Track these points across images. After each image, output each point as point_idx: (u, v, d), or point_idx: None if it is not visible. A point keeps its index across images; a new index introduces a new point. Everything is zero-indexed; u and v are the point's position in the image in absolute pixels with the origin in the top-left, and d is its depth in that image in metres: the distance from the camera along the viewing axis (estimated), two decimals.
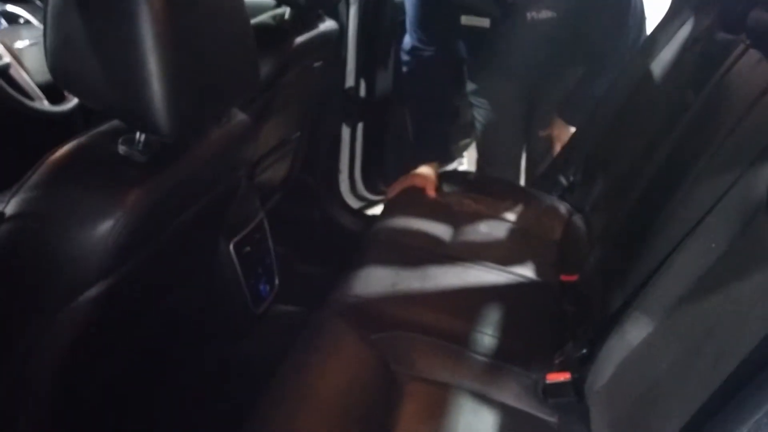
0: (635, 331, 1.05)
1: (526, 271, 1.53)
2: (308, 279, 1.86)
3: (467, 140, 2.60)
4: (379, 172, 2.34)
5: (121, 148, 0.87)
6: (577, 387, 1.15)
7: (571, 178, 1.91)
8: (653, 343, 0.99)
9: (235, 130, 1.07)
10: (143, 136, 0.87)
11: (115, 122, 0.92)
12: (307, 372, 1.15)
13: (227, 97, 0.97)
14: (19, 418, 0.89)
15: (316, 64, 1.82)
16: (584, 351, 1.15)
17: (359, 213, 2.33)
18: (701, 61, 1.48)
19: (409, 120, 2.09)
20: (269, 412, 1.06)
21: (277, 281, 1.52)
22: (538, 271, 1.55)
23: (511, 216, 1.80)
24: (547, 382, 1.18)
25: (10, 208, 0.83)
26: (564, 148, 2.02)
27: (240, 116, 1.09)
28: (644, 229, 1.19)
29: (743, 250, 0.89)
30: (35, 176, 0.84)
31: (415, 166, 1.89)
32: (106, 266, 0.85)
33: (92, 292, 0.85)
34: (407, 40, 1.88)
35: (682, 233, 1.03)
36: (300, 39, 1.64)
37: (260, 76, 1.08)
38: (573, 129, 2.03)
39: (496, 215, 1.79)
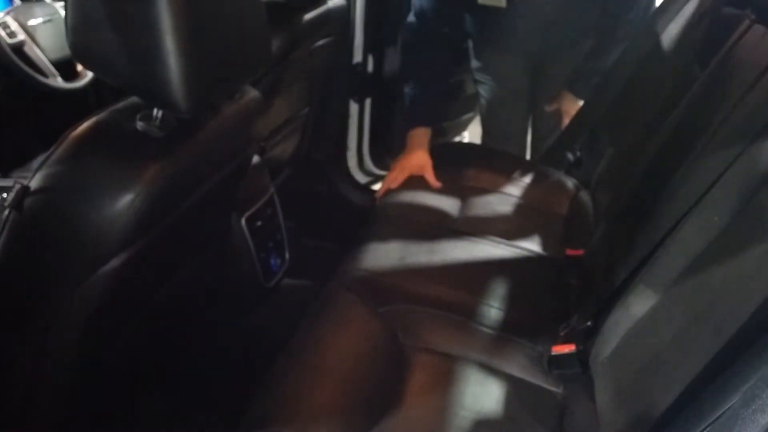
0: (639, 304, 1.07)
1: (531, 246, 1.55)
2: (317, 253, 1.89)
3: (470, 114, 2.61)
4: (386, 147, 2.35)
5: (140, 124, 0.90)
6: (581, 358, 1.17)
7: (578, 153, 1.92)
8: (656, 314, 1.01)
9: (248, 106, 1.09)
10: (160, 113, 0.89)
11: (133, 99, 0.95)
12: (316, 344, 1.18)
13: (241, 73, 0.99)
14: (41, 386, 0.93)
15: (325, 41, 1.83)
16: (589, 323, 1.18)
17: (367, 188, 2.35)
18: (707, 35, 1.49)
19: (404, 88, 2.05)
20: (280, 382, 1.09)
21: (287, 255, 1.54)
22: (544, 245, 1.57)
23: (517, 191, 1.82)
24: (552, 353, 1.20)
25: (34, 182, 0.85)
26: (571, 122, 2.03)
27: (252, 92, 1.11)
28: (648, 203, 1.21)
29: (745, 223, 0.91)
30: (58, 151, 0.86)
31: (407, 132, 1.85)
32: (126, 238, 0.87)
33: (113, 263, 0.88)
34: (412, 16, 1.88)
35: (685, 207, 1.05)
36: (309, 15, 1.66)
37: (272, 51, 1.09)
38: (581, 103, 2.04)
39: (502, 189, 1.81)
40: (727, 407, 0.69)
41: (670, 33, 1.70)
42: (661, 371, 0.92)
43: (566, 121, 2.08)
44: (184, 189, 0.98)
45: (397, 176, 1.78)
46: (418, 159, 1.80)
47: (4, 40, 1.71)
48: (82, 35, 0.85)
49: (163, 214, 0.93)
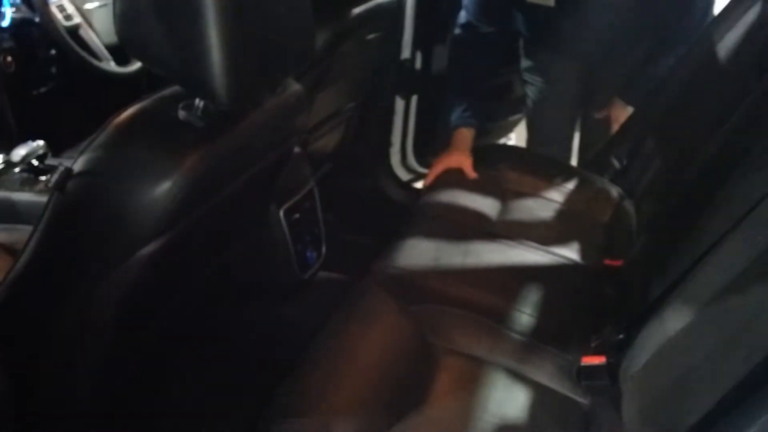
0: (674, 320, 1.05)
1: (569, 253, 1.53)
2: (354, 248, 1.89)
3: (517, 116, 2.58)
4: (430, 145, 2.34)
5: (181, 113, 0.92)
6: (611, 371, 1.16)
7: (625, 162, 1.88)
8: (690, 332, 0.99)
9: (290, 100, 1.10)
10: (202, 103, 0.91)
11: (176, 87, 0.97)
12: (345, 338, 1.19)
13: (283, 67, 1.00)
14: (77, 363, 0.96)
15: (373, 36, 1.83)
16: (621, 336, 1.16)
17: (408, 185, 2.35)
18: (765, 47, 1.45)
19: (449, 86, 2.02)
20: (306, 374, 1.10)
21: (324, 249, 1.56)
22: (582, 253, 1.55)
23: (559, 196, 1.80)
24: (582, 364, 1.19)
25: (78, 165, 0.88)
26: (619, 129, 1.99)
27: (294, 86, 1.12)
28: (691, 218, 1.19)
29: None
30: (101, 136, 0.89)
31: (450, 131, 1.86)
32: (163, 224, 0.89)
33: (150, 247, 0.90)
34: (463, 14, 1.87)
35: (729, 223, 1.02)
36: (357, 10, 1.66)
37: (316, 47, 1.10)
38: (631, 110, 2.00)
39: (543, 194, 1.79)
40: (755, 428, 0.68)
41: (728, 42, 1.65)
42: (690, 391, 0.90)
43: (615, 127, 2.04)
44: (222, 179, 0.99)
45: (437, 167, 1.81)
46: (458, 160, 1.81)
47: (60, 23, 1.76)
48: (128, 23, 0.87)
49: (200, 202, 0.95)
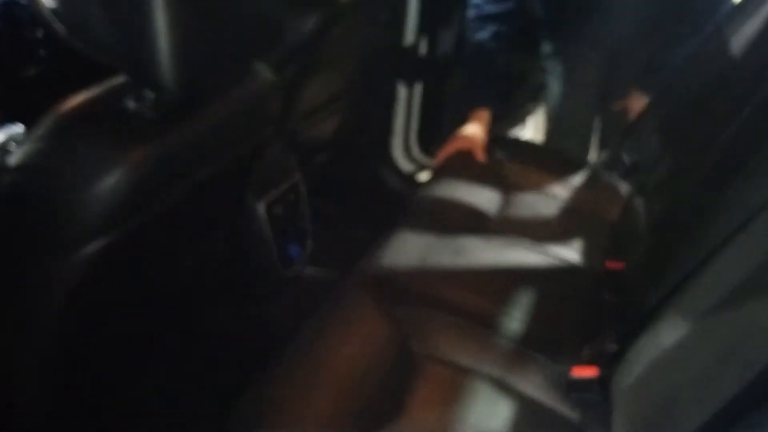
0: (668, 332, 0.97)
1: (569, 254, 1.45)
2: (353, 241, 1.84)
3: (532, 105, 2.49)
4: (435, 135, 2.26)
5: (130, 104, 0.85)
6: (603, 384, 1.08)
7: (636, 157, 1.79)
8: (684, 346, 0.91)
9: (259, 89, 1.03)
10: (153, 93, 0.84)
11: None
12: (320, 344, 1.12)
13: (246, 54, 0.93)
14: (24, 370, 0.90)
15: (372, 18, 1.75)
16: (614, 347, 1.08)
17: (410, 178, 2.27)
18: None
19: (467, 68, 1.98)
20: (276, 381, 1.04)
21: (309, 244, 1.49)
22: (584, 255, 1.46)
23: (564, 192, 1.71)
24: (573, 375, 1.12)
25: (15, 158, 0.82)
26: (632, 122, 1.90)
27: (264, 73, 1.05)
28: (694, 223, 1.10)
29: None
30: (41, 128, 0.82)
31: (467, 117, 1.81)
32: (108, 221, 0.83)
33: (93, 246, 0.83)
34: None
35: (727, 232, 0.94)
36: None
37: (305, 30, 1.02)
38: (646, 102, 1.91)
39: (548, 190, 1.70)
40: None
41: (747, 32, 1.55)
42: (681, 409, 0.83)
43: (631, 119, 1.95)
44: (178, 174, 0.93)
45: (448, 148, 1.77)
46: (474, 131, 1.77)
47: (47, 4, 1.70)
48: (70, 4, 0.80)
49: (152, 198, 0.89)
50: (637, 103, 1.94)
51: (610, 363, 1.09)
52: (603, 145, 2.14)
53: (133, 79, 0.86)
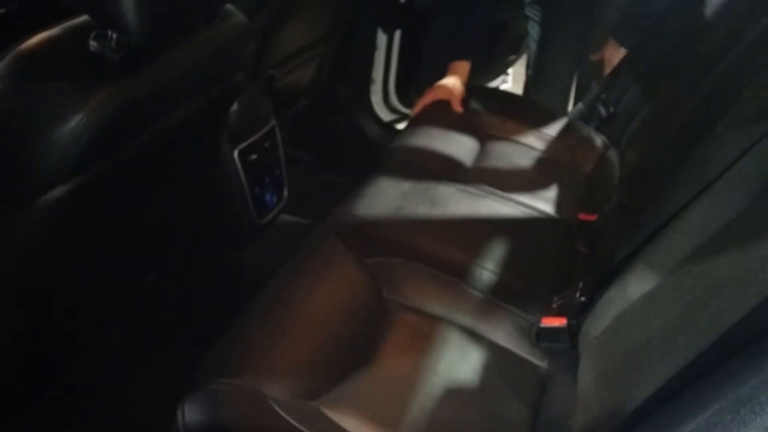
0: (637, 285, 0.99)
1: (544, 206, 1.45)
2: (329, 190, 1.82)
3: (513, 57, 2.47)
4: (414, 84, 2.23)
5: (93, 45, 0.82)
6: (571, 334, 1.10)
7: (612, 109, 1.78)
8: (652, 299, 0.93)
9: (230, 31, 1.00)
10: (116, 34, 0.81)
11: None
12: (292, 290, 1.12)
13: None
14: None
15: None
16: (583, 299, 1.09)
17: (389, 126, 2.25)
18: None
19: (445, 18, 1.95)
20: (246, 329, 1.03)
21: (285, 192, 1.48)
22: (558, 206, 1.47)
23: (540, 144, 1.71)
24: (542, 325, 1.13)
25: None
26: (609, 74, 1.89)
27: (236, 16, 1.02)
28: (667, 175, 1.10)
29: (761, 212, 0.80)
30: None
31: (446, 69, 1.80)
32: (71, 167, 0.81)
33: (57, 192, 0.81)
34: None
35: (701, 185, 0.94)
36: None
37: None
38: (623, 53, 1.89)
39: (524, 141, 1.70)
40: (707, 414, 0.61)
41: None
42: (645, 362, 0.84)
43: (607, 71, 1.94)
44: (143, 118, 0.90)
45: (426, 98, 1.76)
46: (453, 82, 1.76)
47: None
48: None
49: (119, 143, 0.87)
50: (614, 54, 1.93)
51: (578, 313, 1.10)
52: (579, 96, 2.13)
53: (95, 19, 0.82)
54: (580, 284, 1.13)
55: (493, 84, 2.53)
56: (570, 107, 2.13)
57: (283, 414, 0.86)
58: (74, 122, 0.77)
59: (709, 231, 0.87)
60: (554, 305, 1.15)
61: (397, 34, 2.12)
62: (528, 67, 2.18)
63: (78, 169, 0.82)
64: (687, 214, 0.95)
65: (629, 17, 1.88)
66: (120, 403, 1.17)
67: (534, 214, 1.41)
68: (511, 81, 2.64)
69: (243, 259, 1.44)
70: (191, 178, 1.20)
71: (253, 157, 1.34)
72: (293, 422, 0.86)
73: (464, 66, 1.81)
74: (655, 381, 0.76)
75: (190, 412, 0.85)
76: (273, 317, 1.06)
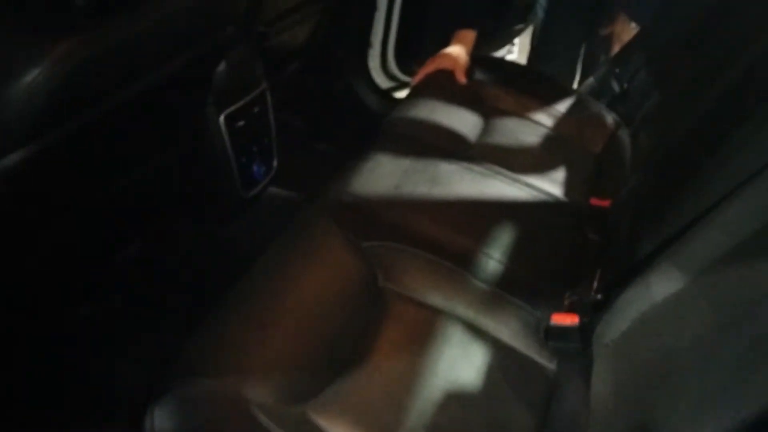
0: (662, 285, 0.89)
1: (552, 189, 1.35)
2: (323, 159, 1.72)
3: (521, 26, 2.35)
4: (415, 50, 2.12)
5: None
6: (584, 334, 1.01)
7: (625, 85, 1.68)
8: (681, 303, 0.83)
9: None
10: None
11: None
12: (282, 274, 1.02)
13: None
14: None
15: None
16: (599, 296, 0.99)
17: (387, 94, 2.13)
18: None
19: None
20: (227, 320, 0.93)
21: (275, 162, 1.36)
22: (567, 189, 1.37)
23: (548, 120, 1.60)
24: (552, 323, 1.04)
25: None
26: (623, 49, 1.78)
27: None
28: (696, 163, 1.00)
29: None
30: None
31: (450, 37, 1.70)
32: (23, 132, 0.69)
33: (13, 158, 0.70)
34: None
35: (739, 178, 0.84)
36: None
37: None
38: (635, 28, 1.78)
39: (531, 116, 1.59)
40: None
41: None
42: (671, 376, 0.75)
43: (617, 47, 1.84)
44: (116, 75, 0.78)
45: (428, 67, 1.66)
46: (457, 52, 1.66)
47: None
48: None
49: (83, 104, 0.75)
50: (624, 29, 1.83)
51: (592, 312, 1.01)
52: (585, 72, 2.03)
53: None
54: (595, 279, 1.03)
55: (497, 55, 2.41)
56: (575, 83, 2.04)
57: (266, 421, 0.77)
58: (29, 78, 0.65)
59: (749, 229, 0.78)
60: (566, 301, 1.05)
61: None
62: (534, 37, 2.08)
63: (35, 134, 0.70)
64: (724, 209, 0.85)
65: None
66: (90, 398, 1.07)
67: (543, 197, 1.31)
68: (517, 52, 2.53)
69: (227, 235, 1.33)
70: (171, 145, 1.08)
71: (241, 123, 1.23)
72: (278, 430, 0.77)
73: (470, 35, 1.71)
74: (683, 401, 0.67)
75: (160, 418, 0.75)
76: (256, 308, 0.96)
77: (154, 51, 0.83)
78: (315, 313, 0.97)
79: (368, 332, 0.97)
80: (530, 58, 2.10)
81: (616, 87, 1.68)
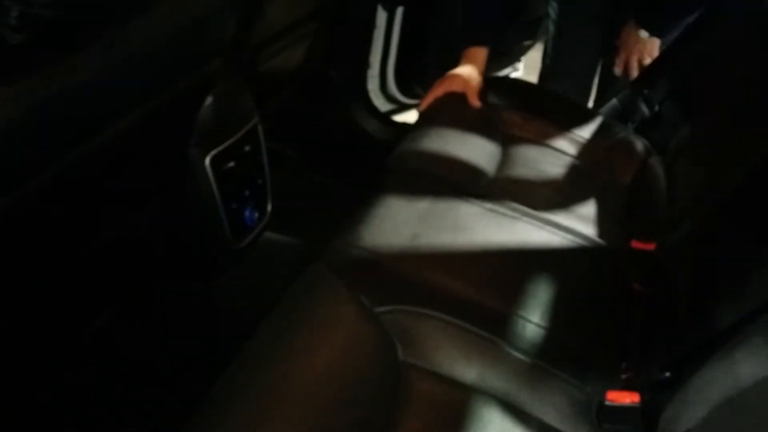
0: (751, 365, 0.73)
1: (586, 229, 1.19)
2: (321, 191, 1.56)
3: (529, 42, 2.21)
4: (416, 71, 1.98)
5: None
6: (647, 416, 0.84)
7: (656, 108, 1.52)
8: None
9: (200, 7, 0.71)
10: (17, 5, 0.52)
11: None
12: (286, 346, 0.86)
13: None
14: None
15: None
16: (667, 374, 0.83)
17: (387, 118, 1.99)
18: None
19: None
20: (225, 401, 0.77)
21: (269, 206, 1.20)
22: (602, 229, 1.20)
23: (571, 147, 1.45)
24: (607, 401, 0.87)
25: None
26: (651, 66, 1.63)
27: None
28: (758, 215, 0.84)
29: None
30: None
31: (457, 56, 1.56)
32: None
33: None
34: None
35: None
36: None
37: None
38: (655, 42, 1.64)
39: (553, 144, 1.44)
40: None
41: None
42: None
43: (633, 63, 1.68)
44: (79, 120, 0.62)
45: (437, 90, 1.50)
46: (468, 73, 1.51)
47: None
48: None
49: (39, 156, 0.58)
50: (647, 46, 1.68)
51: (658, 390, 0.85)
52: (601, 92, 1.89)
53: None
54: (658, 350, 0.87)
55: (501, 74, 2.27)
56: (590, 103, 1.89)
57: None
58: None
59: None
60: (624, 376, 0.89)
61: (399, 12, 1.88)
62: (545, 55, 1.93)
63: None
64: None
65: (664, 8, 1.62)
66: None
67: (578, 241, 1.14)
68: (522, 69, 2.38)
69: (217, 291, 1.16)
70: (150, 195, 0.92)
71: (230, 165, 1.07)
72: None
73: (481, 52, 1.56)
74: None
75: None
76: (257, 389, 0.80)
77: (127, 89, 0.67)
78: (325, 394, 0.81)
79: (389, 415, 0.81)
80: (541, 77, 1.95)
81: (645, 110, 1.53)
